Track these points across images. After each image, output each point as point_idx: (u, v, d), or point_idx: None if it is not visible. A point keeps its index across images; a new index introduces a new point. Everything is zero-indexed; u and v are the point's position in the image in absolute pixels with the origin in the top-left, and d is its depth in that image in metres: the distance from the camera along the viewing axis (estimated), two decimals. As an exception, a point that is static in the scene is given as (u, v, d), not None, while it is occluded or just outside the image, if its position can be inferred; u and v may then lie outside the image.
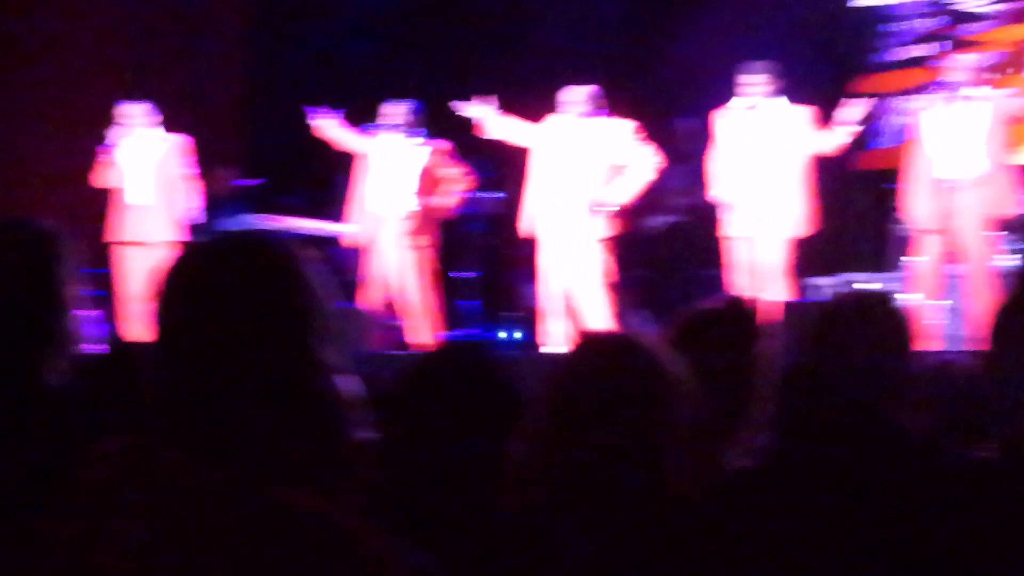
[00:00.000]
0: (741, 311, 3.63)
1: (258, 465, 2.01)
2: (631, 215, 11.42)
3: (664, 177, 11.98)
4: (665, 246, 13.94)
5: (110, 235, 11.93)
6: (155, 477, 2.01)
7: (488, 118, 11.29)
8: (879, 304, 3.41)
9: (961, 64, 10.36)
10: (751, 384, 3.47)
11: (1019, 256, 11.89)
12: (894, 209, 12.33)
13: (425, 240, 11.55)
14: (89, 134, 12.44)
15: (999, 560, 3.09)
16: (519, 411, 2.88)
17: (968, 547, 3.06)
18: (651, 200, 12.14)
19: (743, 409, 3.41)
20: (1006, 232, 11.54)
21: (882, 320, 3.29)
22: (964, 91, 10.18)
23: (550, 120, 11.05)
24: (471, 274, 13.57)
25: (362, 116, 11.97)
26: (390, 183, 11.51)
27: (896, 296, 4.09)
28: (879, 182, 13.47)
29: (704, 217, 13.75)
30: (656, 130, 11.55)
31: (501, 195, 14.05)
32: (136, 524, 1.98)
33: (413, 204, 11.48)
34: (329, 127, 11.85)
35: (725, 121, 10.85)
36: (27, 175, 13.42)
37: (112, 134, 11.86)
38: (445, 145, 11.67)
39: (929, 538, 3.05)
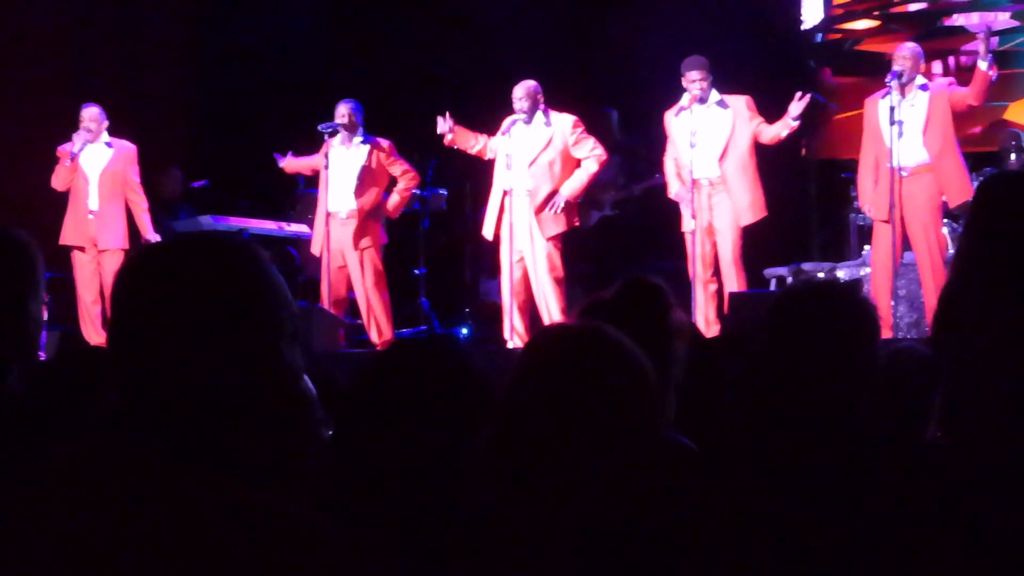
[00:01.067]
0: (644, 289, 3.64)
1: (223, 466, 2.01)
2: (578, 209, 11.44)
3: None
4: (599, 240, 13.91)
5: (65, 239, 11.89)
6: (117, 479, 2.00)
7: (455, 133, 11.29)
8: (846, 293, 3.40)
9: (907, 52, 10.40)
10: (662, 358, 3.46)
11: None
12: (851, 198, 12.41)
13: (369, 240, 11.54)
14: (33, 139, 12.41)
15: (945, 543, 3.12)
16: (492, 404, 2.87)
17: (916, 531, 3.08)
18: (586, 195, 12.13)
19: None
20: (955, 220, 11.62)
21: (849, 309, 3.29)
22: (909, 80, 10.24)
23: (504, 124, 11.07)
24: (420, 271, 13.57)
25: (304, 116, 11.99)
26: (335, 183, 11.50)
27: (859, 285, 4.10)
28: (836, 172, 13.53)
29: (637, 209, 13.77)
30: (589, 123, 11.56)
31: (443, 191, 14.06)
32: (98, 526, 1.97)
33: (355, 203, 11.47)
34: (293, 163, 11.97)
35: (673, 117, 10.88)
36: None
37: (75, 137, 11.82)
38: (386, 143, 11.65)
39: (883, 523, 3.06)
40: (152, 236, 11.79)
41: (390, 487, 2.86)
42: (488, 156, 11.36)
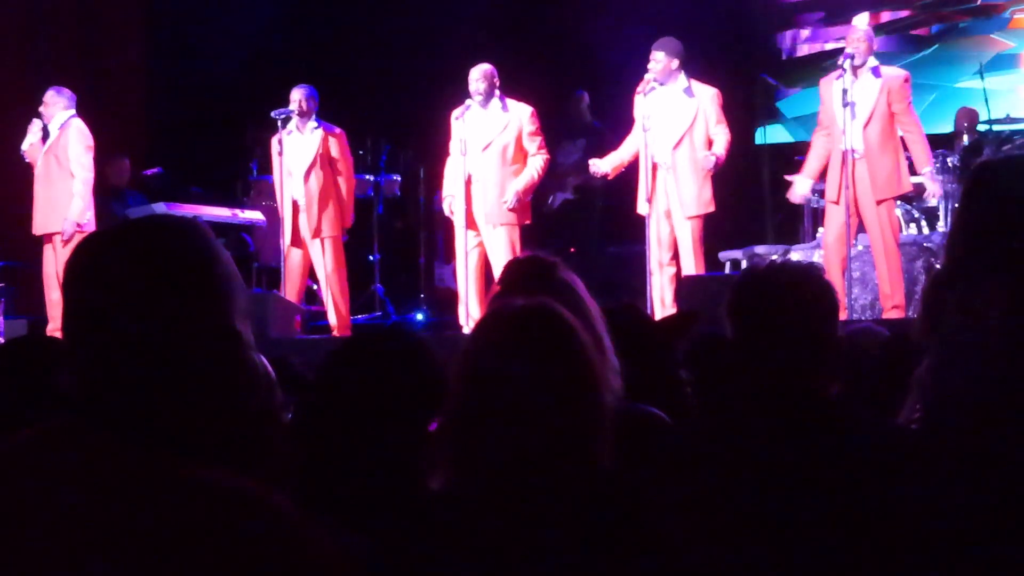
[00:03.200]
0: (522, 263, 3.67)
1: (183, 447, 2.00)
2: (530, 205, 11.37)
3: (562, 153, 11.97)
4: (560, 224, 13.84)
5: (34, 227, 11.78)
6: (72, 463, 1.99)
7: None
8: (808, 273, 3.41)
9: (859, 35, 10.43)
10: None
11: (918, 226, 12.05)
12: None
13: (329, 227, 11.47)
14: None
15: (925, 527, 3.13)
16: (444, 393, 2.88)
17: (892, 514, 3.09)
18: (549, 179, 12.08)
19: None
20: (907, 202, 11.67)
21: (810, 290, 3.30)
22: (862, 62, 10.27)
23: (458, 110, 11.01)
24: (374, 257, 13.56)
25: (258, 101, 11.93)
26: (290, 171, 11.45)
27: (820, 266, 4.09)
28: (790, 154, 13.55)
29: (599, 193, 13.75)
30: (550, 107, 11.52)
31: (396, 177, 14.02)
32: (55, 510, 1.95)
33: (310, 191, 11.41)
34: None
35: (640, 98, 10.81)
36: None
37: (31, 127, 11.73)
38: (338, 131, 11.59)
39: (853, 505, 3.07)
40: (74, 220, 11.47)
41: (351, 468, 2.87)
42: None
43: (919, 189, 11.16)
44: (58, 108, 11.75)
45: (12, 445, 2.07)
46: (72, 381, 2.05)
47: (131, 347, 2.00)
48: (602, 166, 11.03)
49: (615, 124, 11.55)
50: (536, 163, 11.04)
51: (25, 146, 11.75)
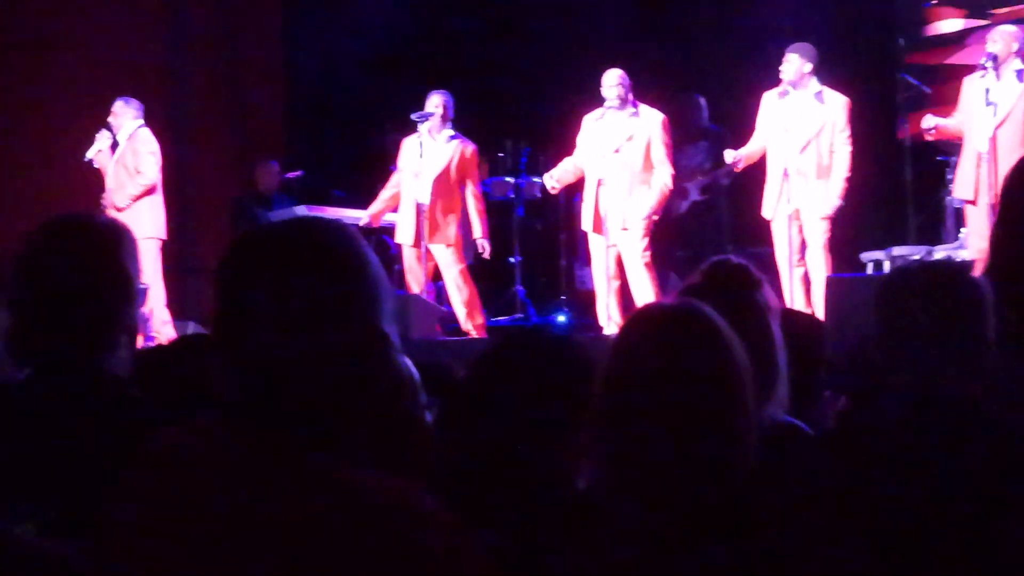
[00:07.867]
0: (729, 269, 3.62)
1: (327, 445, 2.02)
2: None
3: (685, 156, 11.99)
4: (691, 226, 13.77)
5: None
6: (219, 462, 2.02)
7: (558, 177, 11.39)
8: (957, 272, 3.34)
9: (997, 36, 10.26)
10: (758, 335, 3.40)
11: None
12: (947, 181, 12.29)
13: (450, 235, 11.60)
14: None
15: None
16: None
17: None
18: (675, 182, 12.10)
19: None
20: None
21: (960, 288, 3.23)
22: (1003, 62, 10.10)
23: (597, 112, 11.06)
24: (515, 259, 13.57)
25: (399, 103, 11.99)
26: (421, 175, 11.54)
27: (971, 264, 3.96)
28: (932, 154, 13.36)
29: (724, 194, 13.69)
30: (675, 107, 11.49)
31: (537, 179, 14.06)
32: (201, 509, 1.99)
33: (433, 198, 11.50)
34: (378, 210, 12.01)
35: (768, 101, 10.77)
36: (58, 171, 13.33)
37: (98, 136, 11.95)
38: (471, 148, 11.68)
39: (1000, 512, 3.02)
40: (114, 202, 11.67)
41: (498, 468, 2.88)
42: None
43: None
44: (127, 118, 11.92)
45: (163, 442, 2.11)
46: (222, 380, 2.08)
47: (282, 348, 2.03)
48: (736, 155, 10.97)
49: (735, 127, 11.46)
50: (665, 177, 11.08)
51: (91, 154, 11.89)
